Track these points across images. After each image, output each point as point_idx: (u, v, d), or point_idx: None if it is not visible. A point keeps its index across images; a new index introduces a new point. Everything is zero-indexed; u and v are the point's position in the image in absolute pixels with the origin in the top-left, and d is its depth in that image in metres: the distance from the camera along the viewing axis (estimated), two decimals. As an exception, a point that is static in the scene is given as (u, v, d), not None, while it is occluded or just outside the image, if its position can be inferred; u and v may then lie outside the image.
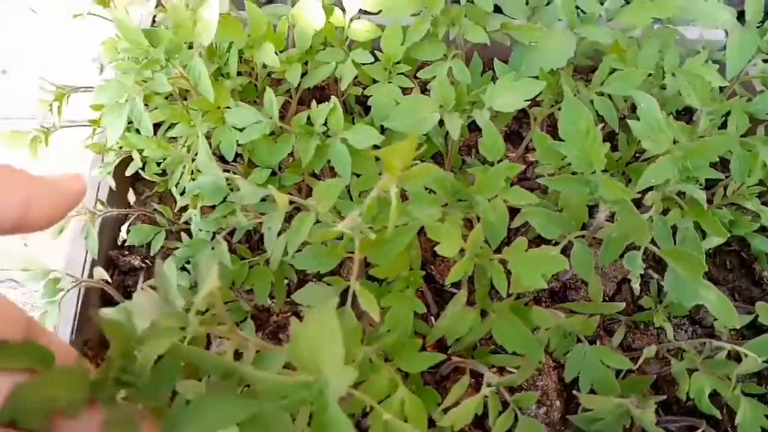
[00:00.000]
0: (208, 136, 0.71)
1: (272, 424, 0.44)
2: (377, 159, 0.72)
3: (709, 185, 0.80)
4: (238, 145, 0.70)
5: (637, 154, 0.87)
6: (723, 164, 0.86)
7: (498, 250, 0.60)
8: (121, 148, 0.79)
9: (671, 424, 0.71)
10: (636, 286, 0.58)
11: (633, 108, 0.82)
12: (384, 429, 0.45)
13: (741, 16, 0.68)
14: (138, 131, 0.77)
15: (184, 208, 0.77)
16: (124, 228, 0.76)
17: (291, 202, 0.59)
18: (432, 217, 0.58)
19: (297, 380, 0.38)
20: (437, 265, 0.83)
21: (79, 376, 0.32)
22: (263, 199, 0.70)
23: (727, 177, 0.80)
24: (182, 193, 0.74)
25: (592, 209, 0.66)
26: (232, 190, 0.65)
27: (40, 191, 0.30)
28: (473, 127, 0.97)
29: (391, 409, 0.54)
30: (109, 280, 0.68)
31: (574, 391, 0.65)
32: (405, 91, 0.74)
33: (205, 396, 0.48)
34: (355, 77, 0.75)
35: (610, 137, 0.86)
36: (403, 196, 0.61)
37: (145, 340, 0.41)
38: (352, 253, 0.53)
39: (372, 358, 0.57)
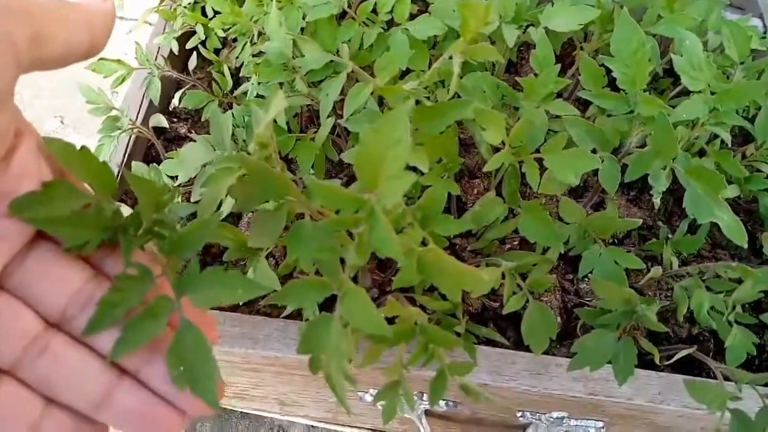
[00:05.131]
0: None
1: (314, 238, 0.48)
2: (431, 59, 0.76)
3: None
4: (302, 29, 0.74)
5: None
6: (745, 137, 0.91)
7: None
8: (184, 23, 0.83)
9: (663, 353, 0.75)
10: (657, 201, 0.63)
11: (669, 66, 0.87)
12: (419, 261, 0.48)
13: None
14: (203, 8, 0.81)
15: (236, 87, 0.81)
16: (178, 94, 0.79)
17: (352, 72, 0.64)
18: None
19: (352, 193, 0.41)
20: (462, 183, 0.88)
21: (103, 218, 0.33)
22: (320, 83, 0.75)
23: (747, 144, 0.85)
24: (239, 67, 0.78)
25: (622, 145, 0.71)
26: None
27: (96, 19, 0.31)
28: (510, 69, 1.02)
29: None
30: (167, 127, 0.72)
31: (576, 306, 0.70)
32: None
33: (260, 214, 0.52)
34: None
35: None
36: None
37: (209, 178, 0.44)
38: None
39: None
